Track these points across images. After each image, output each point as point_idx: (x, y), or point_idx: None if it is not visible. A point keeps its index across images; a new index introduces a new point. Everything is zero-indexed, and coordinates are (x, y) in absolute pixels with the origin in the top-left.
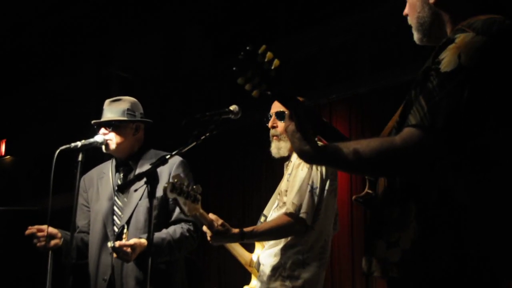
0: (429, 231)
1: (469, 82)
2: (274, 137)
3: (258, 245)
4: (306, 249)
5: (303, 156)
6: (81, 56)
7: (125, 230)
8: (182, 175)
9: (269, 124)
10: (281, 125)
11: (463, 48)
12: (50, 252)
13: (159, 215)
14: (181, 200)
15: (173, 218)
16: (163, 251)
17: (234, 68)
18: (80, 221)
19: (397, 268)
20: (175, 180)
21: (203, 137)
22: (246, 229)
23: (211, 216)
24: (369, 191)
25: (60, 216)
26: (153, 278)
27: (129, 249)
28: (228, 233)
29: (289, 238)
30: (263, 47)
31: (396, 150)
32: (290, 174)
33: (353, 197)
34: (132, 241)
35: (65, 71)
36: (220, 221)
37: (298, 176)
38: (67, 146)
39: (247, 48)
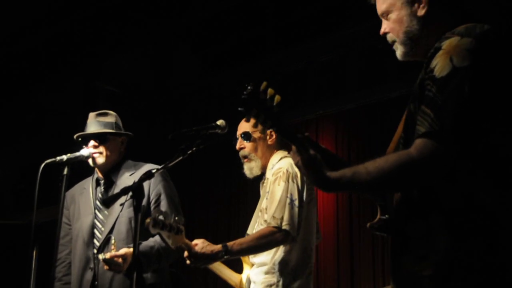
0: (460, 239)
1: (467, 81)
2: (245, 159)
3: (246, 265)
4: (295, 264)
5: (323, 187)
6: (69, 69)
7: (113, 241)
8: (160, 186)
9: (237, 146)
10: (248, 145)
11: (452, 51)
12: (33, 266)
13: (141, 223)
14: (164, 234)
15: None
16: (152, 259)
17: (239, 109)
18: (61, 238)
19: (430, 281)
20: (157, 215)
21: (190, 151)
22: (229, 243)
23: (196, 241)
24: (382, 217)
25: (45, 229)
26: None
27: (120, 260)
28: (209, 249)
29: (277, 255)
30: (264, 84)
31: (414, 162)
32: (268, 192)
33: (368, 225)
34: (123, 251)
35: (52, 84)
36: (199, 242)
37: (276, 191)
38: (53, 159)
39: (249, 87)
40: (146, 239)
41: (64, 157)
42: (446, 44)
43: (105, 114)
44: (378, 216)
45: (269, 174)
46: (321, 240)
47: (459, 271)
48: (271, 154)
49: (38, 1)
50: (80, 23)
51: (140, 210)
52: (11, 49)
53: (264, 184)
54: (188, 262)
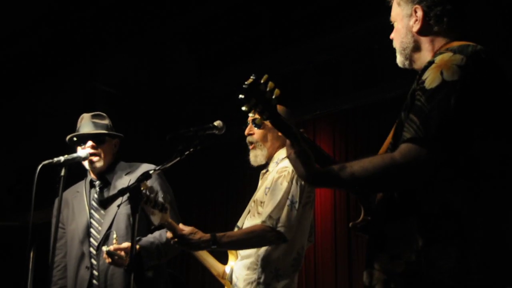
0: (432, 242)
1: (454, 94)
2: (251, 146)
3: (231, 257)
4: (279, 263)
5: (308, 180)
6: (68, 70)
7: (114, 235)
8: (156, 184)
9: (246, 131)
10: (257, 132)
11: (443, 65)
12: (30, 267)
13: (140, 220)
14: (147, 208)
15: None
16: (153, 255)
17: (240, 96)
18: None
19: (401, 279)
20: (142, 189)
21: (187, 152)
22: (218, 234)
23: (181, 226)
24: (366, 217)
25: (41, 231)
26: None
27: (122, 253)
28: (197, 237)
29: (262, 251)
30: (265, 76)
31: (397, 165)
32: (268, 188)
33: (350, 224)
34: (125, 244)
35: (49, 85)
36: (188, 228)
37: (277, 190)
38: (50, 161)
39: (251, 77)
40: (145, 236)
41: (62, 158)
42: (438, 58)
43: (100, 116)
44: (362, 217)
45: (272, 168)
46: (312, 243)
47: (428, 272)
48: (279, 146)
49: (37, 1)
50: (77, 24)
51: (138, 210)
52: (10, 50)
53: (265, 176)
54: (171, 242)
